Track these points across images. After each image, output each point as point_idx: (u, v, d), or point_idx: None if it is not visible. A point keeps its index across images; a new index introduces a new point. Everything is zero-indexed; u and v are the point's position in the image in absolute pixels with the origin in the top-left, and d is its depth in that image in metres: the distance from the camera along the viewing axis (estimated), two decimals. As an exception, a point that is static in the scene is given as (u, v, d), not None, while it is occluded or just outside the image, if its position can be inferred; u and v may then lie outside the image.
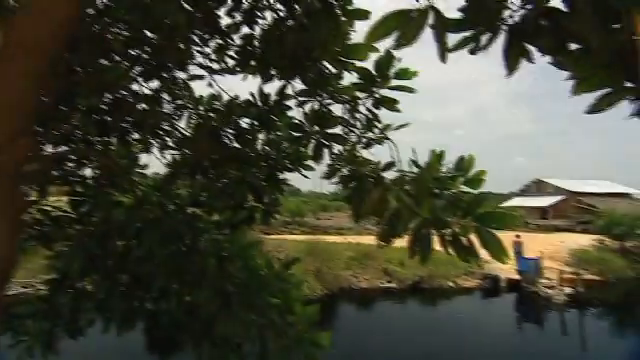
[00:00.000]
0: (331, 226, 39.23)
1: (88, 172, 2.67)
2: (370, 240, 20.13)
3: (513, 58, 0.94)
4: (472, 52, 1.01)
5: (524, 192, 41.21)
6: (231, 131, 2.19)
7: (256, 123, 2.51)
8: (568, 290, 13.76)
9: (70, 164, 2.61)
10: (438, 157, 1.69)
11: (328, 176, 2.00)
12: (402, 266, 15.14)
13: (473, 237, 1.36)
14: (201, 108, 2.75)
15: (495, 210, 1.42)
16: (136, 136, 2.72)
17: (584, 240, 21.68)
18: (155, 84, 2.52)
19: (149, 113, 2.57)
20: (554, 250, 19.90)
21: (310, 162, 2.57)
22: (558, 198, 34.81)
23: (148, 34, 1.98)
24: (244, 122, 2.57)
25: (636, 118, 0.86)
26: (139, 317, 2.40)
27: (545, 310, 12.94)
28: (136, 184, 2.67)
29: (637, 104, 0.86)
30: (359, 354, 8.40)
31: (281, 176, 2.86)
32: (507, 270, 16.07)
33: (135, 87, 2.47)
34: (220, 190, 2.20)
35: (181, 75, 2.61)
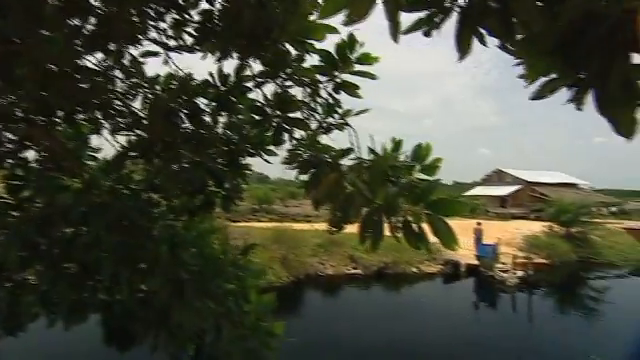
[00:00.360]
0: (299, 213, 39.28)
1: (31, 154, 2.46)
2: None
3: (464, 41, 0.94)
4: (426, 34, 1.01)
5: (486, 182, 43.39)
6: (187, 112, 2.09)
7: (215, 105, 2.42)
8: (520, 273, 14.74)
9: (8, 145, 2.39)
10: (396, 145, 1.70)
11: (288, 161, 1.96)
12: (368, 253, 15.50)
13: (425, 224, 1.39)
14: (157, 87, 2.60)
15: (446, 198, 1.45)
16: (85, 116, 2.53)
17: (536, 227, 23.25)
18: (105, 60, 2.34)
19: (98, 91, 2.39)
20: (510, 236, 21.20)
21: (272, 147, 2.52)
22: (516, 188, 36.98)
23: (92, 2, 1.82)
24: (202, 103, 2.47)
25: (572, 104, 0.89)
26: (89, 309, 2.28)
27: (500, 292, 13.80)
28: (85, 167, 2.51)
29: (573, 91, 0.89)
30: (323, 340, 8.57)
31: (244, 161, 2.79)
32: (467, 256, 16.94)
33: (85, 63, 2.28)
34: (176, 174, 2.10)
35: (134, 52, 2.44)
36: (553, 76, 0.94)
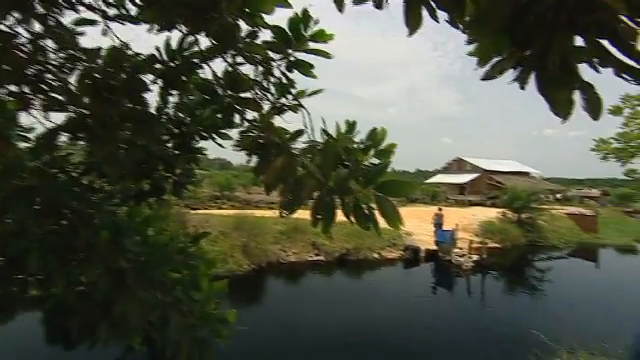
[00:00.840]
0: (262, 200, 38.93)
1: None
2: (300, 214, 20.34)
3: (413, 14, 0.91)
4: (377, 6, 0.96)
5: (446, 170, 45.23)
6: (127, 88, 1.92)
7: (162, 82, 2.25)
8: (475, 257, 15.64)
9: None
10: (350, 127, 1.67)
11: (240, 144, 1.87)
12: (330, 239, 15.71)
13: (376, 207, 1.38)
14: (99, 61, 2.38)
15: (394, 179, 1.45)
16: (9, 90, 2.27)
17: (492, 213, 24.72)
18: (35, 27, 2.09)
19: (24, 60, 2.14)
20: (467, 223, 22.35)
21: (225, 129, 2.40)
22: (474, 175, 38.90)
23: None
24: (149, 80, 2.29)
25: (517, 83, 0.90)
26: (18, 305, 2.08)
27: (456, 276, 14.60)
28: (14, 148, 2.26)
29: (519, 71, 0.89)
30: (285, 327, 8.63)
31: (196, 145, 2.65)
32: (428, 242, 17.69)
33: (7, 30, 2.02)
34: (114, 156, 1.94)
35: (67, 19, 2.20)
36: (501, 57, 0.93)
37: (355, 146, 1.72)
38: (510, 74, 0.94)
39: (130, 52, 2.24)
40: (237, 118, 1.97)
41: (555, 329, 6.49)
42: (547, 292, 13.27)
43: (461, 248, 16.69)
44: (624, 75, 0.76)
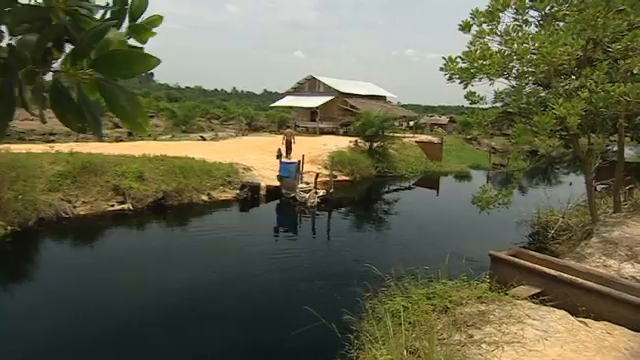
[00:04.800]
0: (34, 131, 33.21)
1: None
2: (96, 148, 18.18)
3: None
4: None
5: (297, 90, 46.62)
6: None
7: None
8: (322, 192, 17.29)
9: None
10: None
11: None
12: (141, 181, 14.70)
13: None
14: None
15: (120, 49, 1.19)
16: None
17: (344, 142, 27.46)
18: None
19: None
20: (316, 154, 24.29)
21: None
22: (327, 98, 41.46)
23: None
24: None
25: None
26: None
27: (302, 214, 15.97)
28: None
29: None
30: (67, 311, 7.83)
31: None
32: (270, 177, 18.49)
33: None
34: None
35: None
36: None
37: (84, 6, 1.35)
38: None
39: None
40: None
41: (393, 262, 7.89)
42: (392, 224, 16.06)
43: (307, 183, 18.14)
44: None
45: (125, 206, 13.97)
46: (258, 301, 8.42)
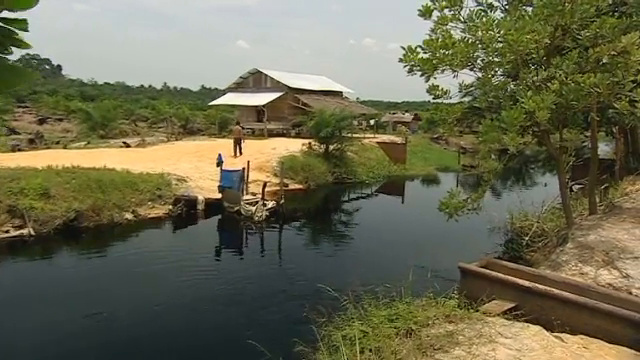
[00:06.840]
0: None
1: None
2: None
3: None
4: None
5: (240, 86, 46.03)
6: None
7: None
8: (271, 204, 17.06)
9: None
10: None
11: None
12: (47, 199, 13.90)
13: None
14: None
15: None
16: None
17: (296, 145, 27.38)
18: None
19: None
20: (265, 159, 24.08)
21: None
22: (276, 95, 41.14)
23: None
24: None
25: None
26: None
27: (248, 230, 15.75)
28: None
29: None
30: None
31: None
32: (210, 189, 18.05)
33: None
34: None
35: None
36: None
37: None
38: None
39: None
40: None
41: (352, 280, 7.83)
42: (351, 238, 16.14)
43: (254, 194, 17.87)
44: None
45: (24, 231, 13.10)
46: (193, 339, 8.11)
